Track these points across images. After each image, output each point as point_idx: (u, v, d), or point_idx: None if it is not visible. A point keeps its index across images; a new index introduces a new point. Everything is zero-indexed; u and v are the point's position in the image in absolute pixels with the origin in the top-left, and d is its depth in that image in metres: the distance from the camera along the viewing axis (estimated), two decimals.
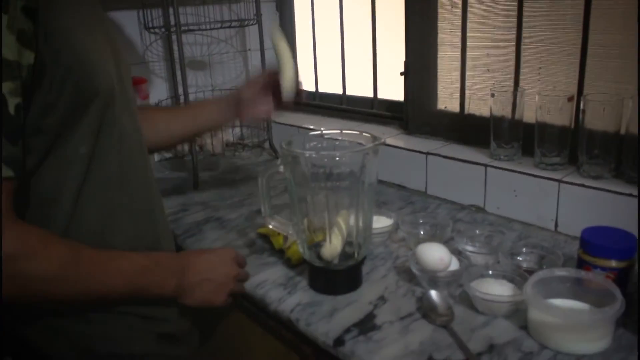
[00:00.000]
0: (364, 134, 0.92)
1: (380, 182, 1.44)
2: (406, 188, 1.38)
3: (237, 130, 1.79)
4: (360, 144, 0.91)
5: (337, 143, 0.94)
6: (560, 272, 0.80)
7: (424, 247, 0.90)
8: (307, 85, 1.90)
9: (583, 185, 1.03)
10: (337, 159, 0.85)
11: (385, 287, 0.92)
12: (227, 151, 1.55)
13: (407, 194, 1.35)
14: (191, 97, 1.70)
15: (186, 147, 1.51)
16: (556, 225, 1.09)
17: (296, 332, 0.86)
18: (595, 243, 0.81)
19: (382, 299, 0.89)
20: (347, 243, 0.90)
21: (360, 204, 0.88)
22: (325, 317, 0.84)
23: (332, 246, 0.88)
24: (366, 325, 0.82)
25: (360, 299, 0.89)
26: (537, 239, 1.06)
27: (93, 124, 0.75)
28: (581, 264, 0.83)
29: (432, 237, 1.04)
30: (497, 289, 0.82)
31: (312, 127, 1.66)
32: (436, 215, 1.19)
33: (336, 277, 0.90)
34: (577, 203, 1.04)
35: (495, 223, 1.15)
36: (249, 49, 1.87)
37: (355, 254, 0.90)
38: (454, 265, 0.89)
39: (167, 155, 1.63)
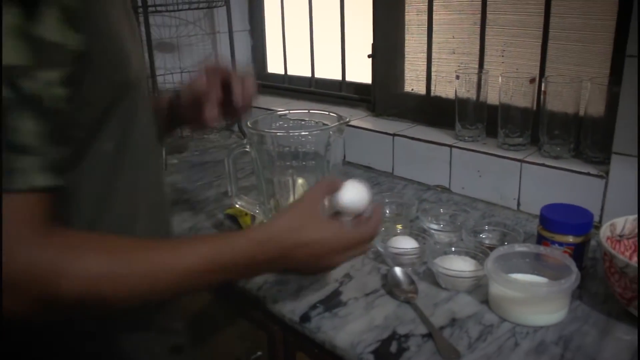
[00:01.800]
0: (331, 114, 0.92)
1: (347, 163, 1.45)
2: (373, 169, 1.39)
3: None
4: (326, 124, 0.92)
5: (302, 123, 0.95)
6: (520, 247, 0.82)
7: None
8: (276, 67, 1.90)
9: (544, 165, 1.06)
10: (303, 138, 0.86)
11: (351, 265, 0.93)
12: (196, 133, 1.54)
13: (374, 175, 1.36)
14: (159, 79, 1.68)
15: None
16: (518, 204, 1.12)
17: (264, 311, 0.87)
18: (553, 219, 0.83)
19: (347, 276, 0.90)
20: None
21: None
22: (291, 295, 0.85)
23: None
24: (332, 301, 0.83)
25: (326, 277, 0.90)
26: (500, 217, 1.09)
27: (121, 118, 0.62)
28: (540, 240, 0.85)
29: (397, 216, 1.06)
30: (459, 265, 0.85)
31: (280, 109, 1.66)
32: (402, 195, 1.21)
33: None
34: (538, 182, 1.07)
35: (460, 202, 1.17)
36: (218, 31, 1.85)
37: None
38: (414, 243, 0.91)
39: None
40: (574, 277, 0.73)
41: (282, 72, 1.86)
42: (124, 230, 0.64)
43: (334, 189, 0.72)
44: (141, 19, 1.39)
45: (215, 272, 0.59)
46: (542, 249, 0.82)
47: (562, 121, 1.07)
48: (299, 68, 1.81)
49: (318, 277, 0.84)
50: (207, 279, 0.60)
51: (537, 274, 0.81)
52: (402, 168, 1.32)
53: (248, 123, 0.87)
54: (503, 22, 1.17)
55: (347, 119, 0.86)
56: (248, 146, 0.88)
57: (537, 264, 0.82)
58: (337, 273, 0.90)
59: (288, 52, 1.83)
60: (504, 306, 0.76)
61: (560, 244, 0.83)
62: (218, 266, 0.59)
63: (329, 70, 1.70)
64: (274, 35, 1.87)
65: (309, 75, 1.76)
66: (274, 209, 0.92)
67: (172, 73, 1.73)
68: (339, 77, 1.66)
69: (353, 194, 0.72)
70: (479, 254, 0.87)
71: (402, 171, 1.33)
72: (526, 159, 1.09)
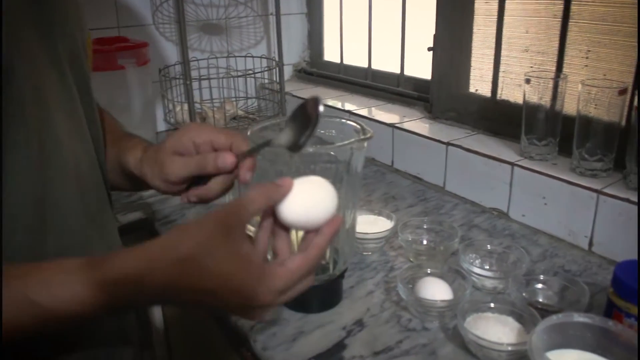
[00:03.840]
0: (356, 124, 0.75)
1: (395, 170, 1.27)
2: (422, 181, 1.20)
3: (247, 102, 1.66)
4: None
5: (320, 133, 0.78)
6: (581, 317, 0.62)
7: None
8: (332, 55, 1.73)
9: (628, 200, 0.84)
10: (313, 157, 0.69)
11: (367, 309, 0.77)
12: (231, 125, 1.42)
13: (422, 188, 1.18)
14: (203, 63, 1.57)
15: (187, 119, 1.38)
16: (590, 244, 0.90)
17: (254, 354, 0.73)
18: (631, 284, 0.63)
19: (359, 323, 0.74)
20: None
21: (338, 208, 0.72)
22: (286, 342, 0.70)
23: None
24: (331, 358, 0.67)
25: (334, 321, 0.74)
26: (565, 259, 0.88)
27: None
28: (610, 308, 0.65)
29: (433, 250, 0.88)
30: (497, 331, 0.66)
31: (331, 104, 1.50)
32: (448, 217, 1.02)
33: (308, 293, 0.75)
34: (619, 221, 0.85)
35: (518, 234, 0.97)
36: (271, 13, 1.71)
37: (331, 268, 0.75)
38: (446, 290, 0.73)
39: (172, 125, 1.51)
40: None
41: (338, 61, 1.69)
42: None
43: (280, 195, 0.50)
44: None
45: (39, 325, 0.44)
46: (610, 323, 0.61)
47: None
48: (355, 57, 1.63)
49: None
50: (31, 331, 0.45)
51: (602, 354, 0.62)
52: (455, 183, 1.13)
53: (249, 132, 0.72)
54: (590, 16, 0.95)
55: (369, 135, 0.69)
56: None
57: (603, 341, 0.62)
58: (348, 317, 0.75)
59: (345, 40, 1.66)
60: None
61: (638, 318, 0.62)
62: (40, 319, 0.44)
63: (387, 62, 1.52)
64: (332, 21, 1.71)
65: (366, 66, 1.58)
66: None
67: (218, 57, 1.60)
68: (397, 71, 1.47)
69: (303, 203, 0.50)
70: (527, 315, 0.68)
71: (455, 187, 1.13)
72: (605, 190, 0.87)
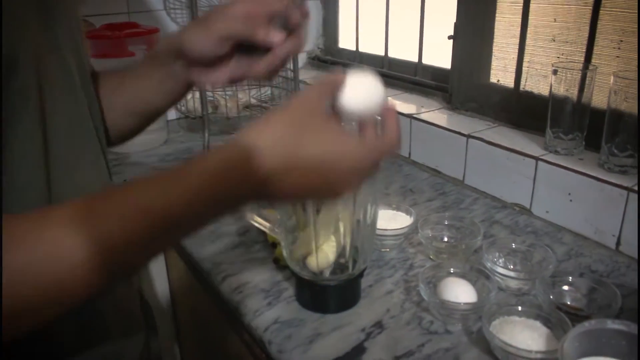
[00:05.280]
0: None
1: (412, 162, 1.24)
2: (441, 174, 1.17)
3: (260, 90, 1.62)
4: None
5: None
6: (615, 324, 0.59)
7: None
8: (348, 43, 1.69)
9: None
10: None
11: (387, 309, 0.74)
12: (244, 114, 1.38)
13: (441, 182, 1.14)
14: None
15: (198, 106, 1.35)
16: (618, 243, 0.86)
17: (269, 356, 0.70)
18: None
19: (378, 325, 0.71)
20: (342, 252, 0.72)
21: (360, 203, 0.69)
22: (302, 344, 0.68)
23: (322, 255, 0.70)
24: None
25: (352, 322, 0.71)
26: (591, 258, 0.85)
27: None
28: None
29: (454, 247, 0.84)
30: (525, 336, 0.63)
31: None
32: (468, 213, 0.99)
33: (326, 293, 0.73)
34: None
35: (541, 231, 0.93)
36: None
37: (350, 267, 0.72)
38: (469, 291, 0.70)
39: (182, 114, 1.48)
40: None
41: (354, 49, 1.65)
42: None
43: (336, 87, 0.50)
44: None
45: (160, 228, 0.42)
46: None
47: None
48: (371, 45, 1.59)
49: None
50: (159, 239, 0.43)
51: None
52: (475, 177, 1.09)
53: None
54: (624, 4, 0.90)
55: None
56: None
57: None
58: (367, 319, 0.72)
59: (361, 27, 1.61)
60: None
61: None
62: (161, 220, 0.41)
63: (404, 50, 1.48)
64: (347, 7, 1.66)
65: (382, 54, 1.54)
66: (296, 229, 0.74)
67: None
68: (415, 59, 1.43)
69: (362, 91, 0.52)
70: (555, 320, 0.65)
71: (475, 181, 1.10)
72: (635, 187, 0.83)
